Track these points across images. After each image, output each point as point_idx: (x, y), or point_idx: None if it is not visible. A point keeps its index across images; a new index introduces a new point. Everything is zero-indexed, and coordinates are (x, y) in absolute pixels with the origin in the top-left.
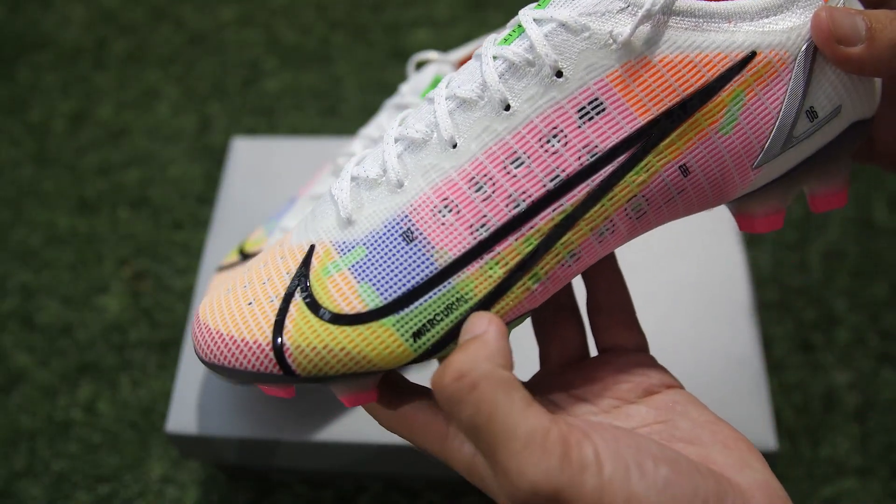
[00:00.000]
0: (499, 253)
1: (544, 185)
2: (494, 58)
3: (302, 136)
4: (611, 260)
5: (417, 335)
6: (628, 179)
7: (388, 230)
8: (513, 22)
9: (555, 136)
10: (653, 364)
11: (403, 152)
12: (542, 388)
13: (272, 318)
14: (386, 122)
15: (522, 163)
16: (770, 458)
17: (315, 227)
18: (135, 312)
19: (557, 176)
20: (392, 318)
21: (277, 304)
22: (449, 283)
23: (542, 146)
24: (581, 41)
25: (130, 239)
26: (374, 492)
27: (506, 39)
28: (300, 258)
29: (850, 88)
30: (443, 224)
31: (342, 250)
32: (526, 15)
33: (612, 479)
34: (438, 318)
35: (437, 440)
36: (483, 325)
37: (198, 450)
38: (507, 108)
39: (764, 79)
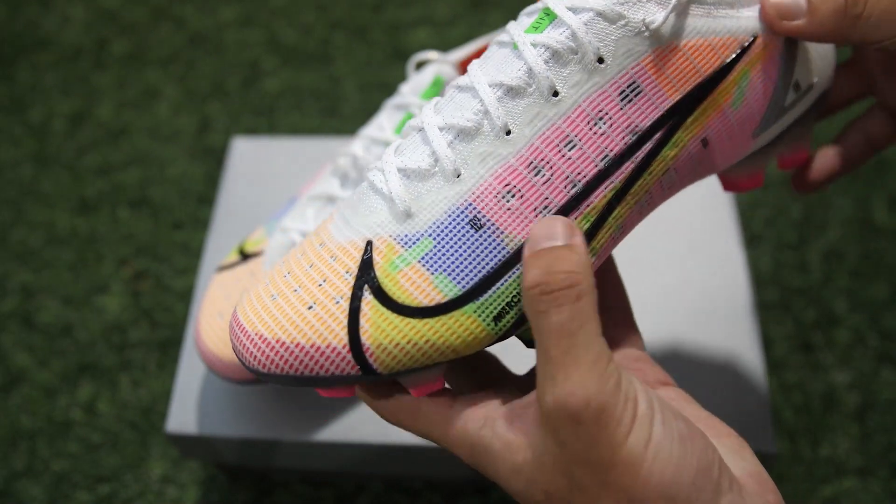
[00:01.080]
0: None
1: (596, 165)
2: (534, 45)
3: (302, 136)
4: (609, 261)
5: (498, 318)
6: (663, 154)
7: (454, 219)
8: (534, 8)
9: (601, 119)
10: (649, 361)
11: (454, 141)
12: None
13: (343, 320)
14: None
15: (575, 145)
16: (770, 458)
17: (364, 223)
18: (135, 312)
19: (606, 155)
20: (473, 306)
21: (346, 304)
22: (521, 265)
23: (590, 129)
24: (618, 29)
25: (130, 239)
26: (374, 492)
27: (535, 27)
28: (358, 256)
29: (820, 64)
30: (508, 209)
31: (406, 243)
32: (556, 3)
33: (643, 417)
34: (515, 299)
35: (440, 425)
36: (568, 232)
37: (198, 450)
38: (556, 94)
39: (763, 58)
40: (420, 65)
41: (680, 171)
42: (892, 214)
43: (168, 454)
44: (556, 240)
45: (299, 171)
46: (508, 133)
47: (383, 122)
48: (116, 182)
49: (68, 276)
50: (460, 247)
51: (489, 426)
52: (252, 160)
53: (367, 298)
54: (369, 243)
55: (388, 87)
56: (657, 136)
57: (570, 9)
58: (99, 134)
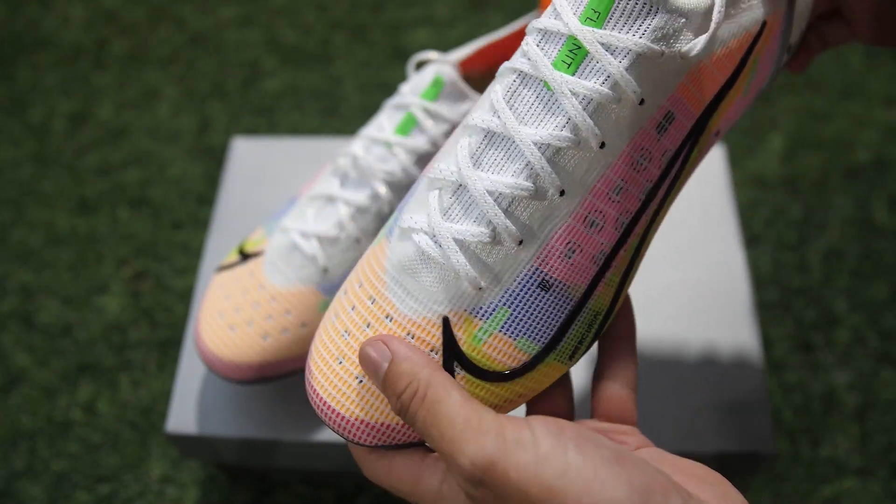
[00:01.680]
0: (614, 266)
1: (639, 199)
2: (574, 94)
3: (302, 136)
4: (630, 339)
5: (572, 356)
6: (690, 162)
7: (525, 285)
8: (547, 27)
9: (642, 157)
10: (633, 434)
11: (510, 208)
12: None
13: None
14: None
15: (622, 189)
16: (770, 458)
17: (432, 297)
18: (135, 312)
19: (647, 187)
20: (552, 355)
21: None
22: (586, 308)
23: (634, 169)
24: (656, 67)
25: (130, 239)
26: (374, 492)
27: (566, 64)
28: (438, 334)
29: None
30: (571, 264)
31: (483, 315)
32: (589, 39)
33: (549, 455)
34: (585, 337)
35: (409, 480)
36: (381, 354)
37: (198, 450)
38: (602, 145)
39: (768, 39)
40: (420, 65)
41: (696, 167)
42: (892, 214)
43: (168, 454)
44: (381, 366)
45: (299, 171)
46: (562, 193)
47: (383, 122)
48: (116, 182)
49: (68, 276)
50: (534, 309)
51: (448, 481)
52: (252, 160)
53: (460, 374)
54: (446, 320)
55: (388, 87)
56: (685, 150)
57: (605, 48)
58: (99, 134)
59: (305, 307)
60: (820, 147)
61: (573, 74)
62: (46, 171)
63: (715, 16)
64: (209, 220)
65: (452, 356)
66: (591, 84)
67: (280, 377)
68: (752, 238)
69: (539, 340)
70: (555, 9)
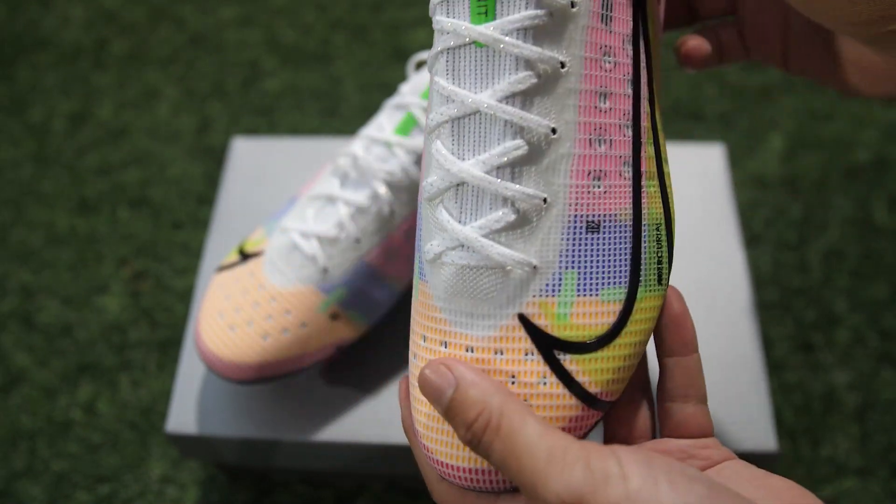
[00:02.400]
0: (644, 171)
1: (628, 95)
2: (506, 34)
3: (302, 136)
4: (695, 351)
5: (660, 279)
6: (652, 31)
7: (574, 238)
8: None
9: (606, 55)
10: (712, 448)
11: (515, 175)
12: None
13: (567, 396)
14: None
15: (605, 95)
16: (771, 458)
17: (498, 304)
18: (135, 312)
19: (628, 80)
20: (642, 289)
21: (555, 379)
22: (644, 226)
23: (605, 71)
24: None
25: (130, 239)
26: (374, 492)
27: (483, 14)
28: (523, 334)
29: None
30: (605, 193)
31: (553, 290)
32: None
33: (640, 490)
34: (660, 254)
35: None
36: (447, 378)
37: (198, 450)
38: (563, 65)
39: None
40: (420, 65)
41: (658, 29)
42: (892, 214)
43: (168, 454)
44: (446, 392)
45: (299, 171)
46: (554, 132)
47: (383, 122)
48: (116, 182)
49: (68, 276)
50: (597, 254)
51: None
52: (252, 160)
53: (567, 359)
54: (522, 317)
55: (388, 87)
56: (641, 26)
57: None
58: (99, 134)
59: (305, 307)
60: (820, 147)
61: (494, 19)
62: (46, 171)
63: None
64: (209, 220)
65: (550, 346)
66: (515, 16)
67: (280, 377)
68: (752, 238)
69: (619, 282)
70: None
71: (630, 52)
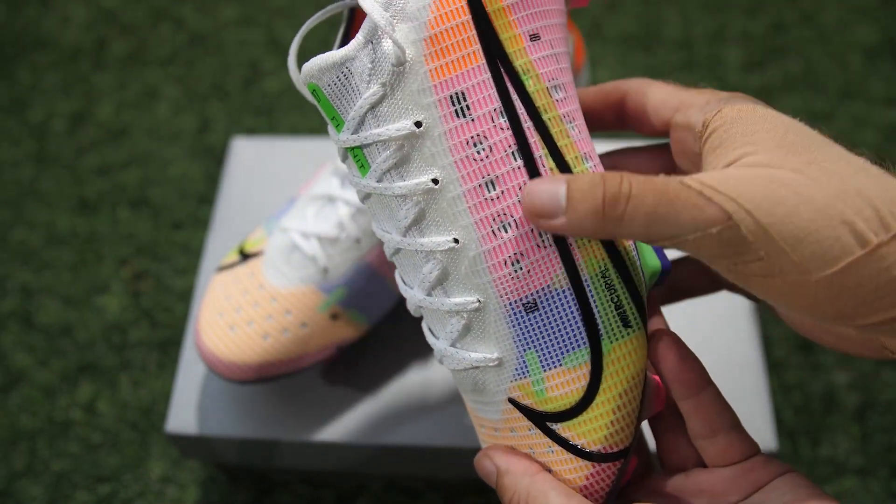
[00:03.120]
0: None
1: (517, 167)
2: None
3: (302, 136)
4: (709, 384)
5: (626, 323)
6: (530, 88)
7: (516, 320)
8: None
9: (477, 145)
10: (762, 466)
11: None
12: (655, 492)
13: (570, 456)
14: None
15: (493, 181)
16: None
17: (493, 389)
18: (135, 312)
19: (512, 150)
20: (606, 342)
21: (557, 447)
22: (585, 281)
23: (482, 160)
24: (404, 90)
25: (130, 239)
26: (374, 492)
27: (362, 167)
28: (518, 413)
29: None
30: (530, 272)
31: (523, 373)
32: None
33: None
34: (617, 297)
35: None
36: (489, 466)
37: (198, 450)
38: (435, 181)
39: None
40: None
41: (551, 73)
42: None
43: (168, 454)
44: (492, 479)
45: (299, 171)
46: (457, 241)
47: None
48: (116, 182)
49: (68, 276)
50: (549, 328)
51: None
52: (252, 160)
53: (559, 427)
54: (511, 400)
55: None
56: (511, 87)
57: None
58: (99, 134)
59: (305, 307)
60: None
61: (369, 170)
62: (46, 171)
63: (383, 24)
64: (209, 220)
65: (542, 420)
66: (379, 159)
67: (280, 377)
68: None
69: (578, 345)
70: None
71: (505, 122)
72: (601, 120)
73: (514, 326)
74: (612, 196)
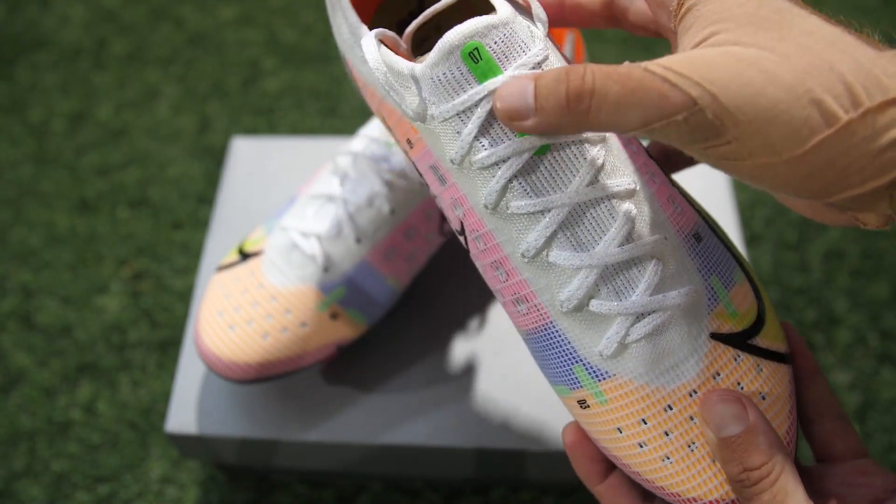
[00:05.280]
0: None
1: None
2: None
3: (302, 136)
4: (820, 373)
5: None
6: None
7: (689, 245)
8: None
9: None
10: (875, 470)
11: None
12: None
13: (778, 365)
14: None
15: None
16: None
17: (692, 335)
18: (135, 312)
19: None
20: (747, 265)
21: (765, 362)
22: (713, 226)
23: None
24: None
25: (130, 239)
26: (374, 492)
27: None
28: (722, 346)
29: None
30: (680, 214)
31: (715, 301)
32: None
33: None
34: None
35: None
36: (743, 413)
37: (198, 450)
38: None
39: None
40: None
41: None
42: None
43: (168, 454)
44: (731, 430)
45: (299, 171)
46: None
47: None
48: (116, 182)
49: (68, 276)
50: (712, 256)
51: None
52: (252, 160)
53: (758, 339)
54: (715, 336)
55: None
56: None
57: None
58: (99, 134)
59: (305, 306)
60: None
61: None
62: (46, 171)
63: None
64: (209, 219)
65: (744, 342)
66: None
67: (280, 376)
68: (753, 238)
69: (734, 264)
70: None
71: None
72: (593, 21)
73: (694, 257)
74: (575, 90)
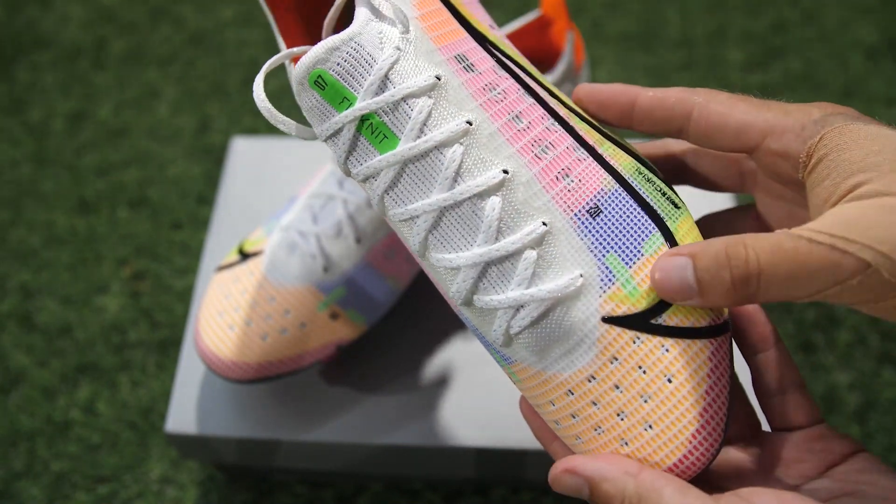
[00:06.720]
0: (590, 145)
1: (532, 103)
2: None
3: None
4: (778, 342)
5: (675, 204)
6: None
7: (583, 224)
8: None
9: (494, 90)
10: (831, 435)
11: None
12: (721, 468)
13: (685, 342)
14: None
15: (519, 116)
16: None
17: (581, 321)
18: (134, 312)
19: (522, 92)
20: (670, 221)
21: (670, 341)
22: (629, 178)
23: (500, 101)
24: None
25: (130, 239)
26: (374, 492)
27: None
28: (618, 329)
29: None
30: (578, 182)
31: (611, 280)
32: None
33: None
34: (661, 187)
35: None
36: (576, 481)
37: (197, 450)
38: (470, 122)
39: None
40: None
41: (516, 50)
42: None
43: (168, 454)
44: (583, 492)
45: (299, 171)
46: (506, 172)
47: None
48: (116, 182)
49: (68, 276)
50: (616, 228)
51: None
52: (252, 160)
53: (664, 317)
54: (608, 319)
55: None
56: (494, 51)
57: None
58: (99, 134)
59: (305, 307)
60: None
61: (399, 141)
62: (46, 171)
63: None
64: (209, 220)
65: (646, 322)
66: (414, 113)
67: (280, 377)
68: None
69: (650, 230)
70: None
71: (504, 74)
72: (657, 128)
73: (586, 236)
74: (741, 276)
